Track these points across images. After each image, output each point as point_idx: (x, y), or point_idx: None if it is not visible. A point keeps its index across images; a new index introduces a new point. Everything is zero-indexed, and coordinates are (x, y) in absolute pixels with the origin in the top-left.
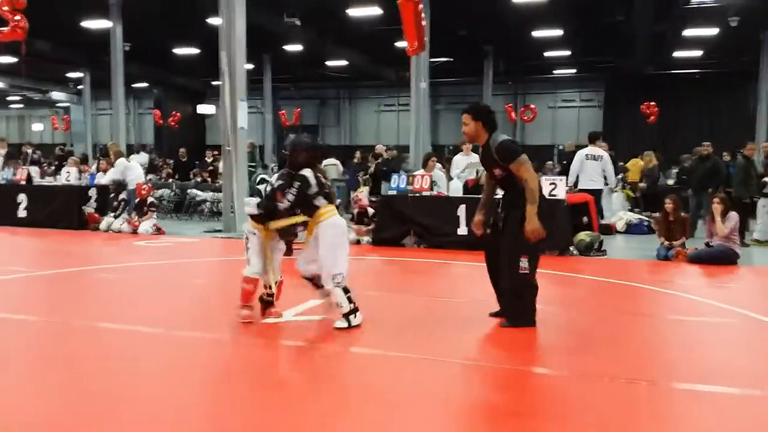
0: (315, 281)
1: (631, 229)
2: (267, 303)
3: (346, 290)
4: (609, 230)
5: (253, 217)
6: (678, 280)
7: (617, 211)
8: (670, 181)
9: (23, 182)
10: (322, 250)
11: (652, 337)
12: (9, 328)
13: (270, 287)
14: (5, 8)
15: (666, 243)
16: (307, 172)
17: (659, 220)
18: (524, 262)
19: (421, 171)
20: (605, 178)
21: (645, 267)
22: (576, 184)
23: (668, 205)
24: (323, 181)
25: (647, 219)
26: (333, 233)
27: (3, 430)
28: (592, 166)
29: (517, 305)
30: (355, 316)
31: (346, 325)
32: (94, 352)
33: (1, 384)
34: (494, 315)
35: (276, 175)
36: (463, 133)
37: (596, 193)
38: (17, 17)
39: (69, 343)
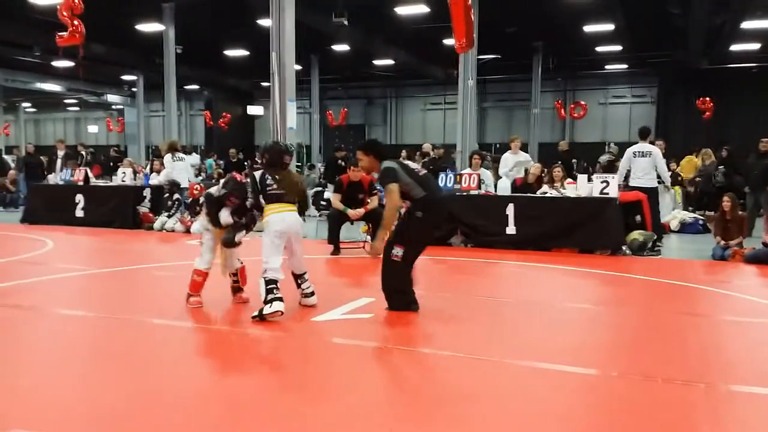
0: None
1: (686, 228)
2: (235, 290)
3: (270, 282)
4: (662, 229)
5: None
6: (735, 281)
7: (671, 210)
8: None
9: (80, 183)
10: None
11: (708, 338)
12: (68, 324)
13: (234, 275)
14: (65, 13)
15: (722, 242)
16: (257, 173)
17: (716, 218)
18: (398, 251)
19: (468, 170)
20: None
21: (700, 267)
22: (626, 182)
23: (726, 203)
24: (268, 182)
25: (702, 218)
26: (265, 232)
27: (66, 423)
28: (642, 163)
29: (390, 293)
30: (271, 306)
31: (257, 314)
32: (149, 347)
33: (62, 378)
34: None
35: (222, 181)
36: (361, 168)
37: (651, 192)
38: (75, 22)
39: (125, 338)
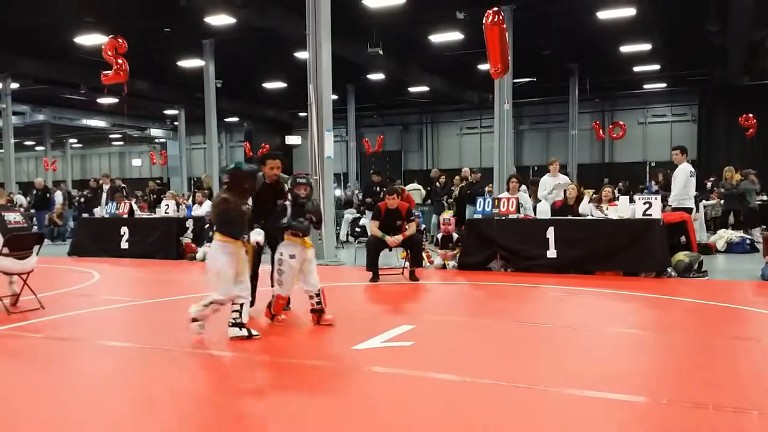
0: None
1: (732, 247)
2: (318, 311)
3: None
4: (708, 250)
5: None
6: None
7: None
8: None
9: (125, 215)
10: None
11: (760, 363)
12: (115, 356)
13: (316, 296)
14: (109, 53)
15: None
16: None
17: (765, 237)
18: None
19: (506, 194)
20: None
21: (750, 288)
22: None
23: None
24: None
25: (749, 237)
26: None
27: None
28: (694, 183)
29: None
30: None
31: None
32: (198, 377)
33: (111, 410)
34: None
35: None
36: (273, 175)
37: (690, 212)
38: (119, 60)
39: (172, 369)
